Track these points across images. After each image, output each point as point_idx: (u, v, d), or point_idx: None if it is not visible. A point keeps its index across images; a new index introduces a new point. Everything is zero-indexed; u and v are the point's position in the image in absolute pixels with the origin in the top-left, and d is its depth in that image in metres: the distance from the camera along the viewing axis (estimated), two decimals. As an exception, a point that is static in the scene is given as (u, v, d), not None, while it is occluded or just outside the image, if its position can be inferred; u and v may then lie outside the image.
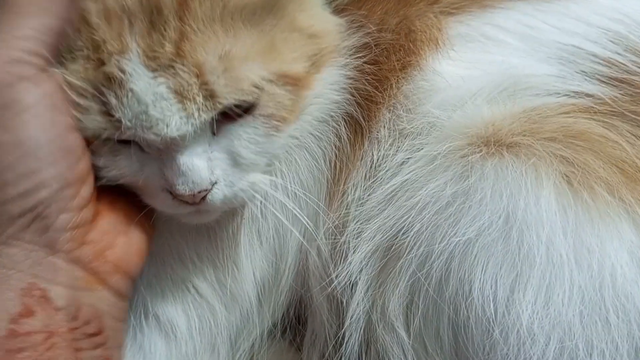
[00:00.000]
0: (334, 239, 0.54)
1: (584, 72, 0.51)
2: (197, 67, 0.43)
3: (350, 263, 0.52)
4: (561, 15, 0.54)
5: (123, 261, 0.48)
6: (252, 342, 0.59)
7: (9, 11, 0.44)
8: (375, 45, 0.55)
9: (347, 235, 0.53)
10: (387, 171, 0.52)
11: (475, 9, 0.56)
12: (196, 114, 0.44)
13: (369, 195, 0.53)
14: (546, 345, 0.43)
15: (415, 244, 0.48)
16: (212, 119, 0.45)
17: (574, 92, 0.50)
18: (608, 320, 0.43)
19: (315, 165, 0.55)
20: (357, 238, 0.52)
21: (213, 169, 0.47)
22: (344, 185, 0.54)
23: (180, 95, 0.43)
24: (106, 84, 0.44)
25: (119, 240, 0.48)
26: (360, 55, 0.55)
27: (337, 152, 0.55)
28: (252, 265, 0.56)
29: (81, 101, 0.44)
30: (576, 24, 0.53)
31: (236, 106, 0.46)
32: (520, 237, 0.45)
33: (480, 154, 0.48)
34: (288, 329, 0.61)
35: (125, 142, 0.46)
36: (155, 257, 0.56)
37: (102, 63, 0.44)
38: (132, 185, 0.49)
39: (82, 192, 0.46)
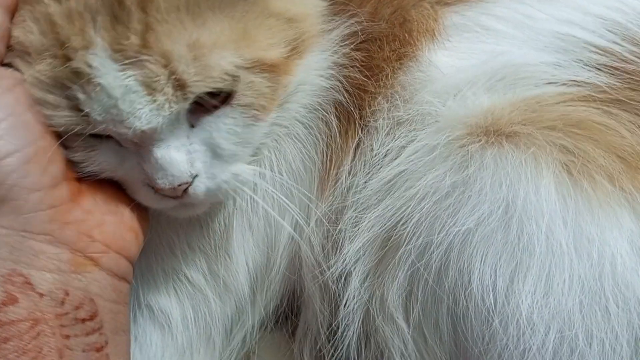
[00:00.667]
0: (327, 228, 0.54)
1: (581, 60, 0.51)
2: (164, 57, 0.42)
3: (346, 253, 0.51)
4: (558, 3, 0.54)
5: (114, 240, 0.46)
6: (246, 332, 0.58)
7: None
8: (366, 34, 0.54)
9: (343, 223, 0.52)
10: (385, 157, 0.52)
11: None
12: (166, 106, 0.43)
13: (365, 182, 0.52)
14: (546, 335, 0.43)
15: (414, 235, 0.48)
16: (186, 110, 0.44)
17: (572, 81, 0.50)
18: (608, 310, 0.43)
19: (305, 153, 0.54)
20: (354, 227, 0.52)
21: (193, 161, 0.46)
22: (336, 173, 0.54)
23: (149, 87, 0.42)
24: (74, 80, 0.42)
25: (107, 219, 0.47)
26: (349, 43, 0.54)
27: (327, 140, 0.54)
28: (244, 254, 0.56)
29: (50, 98, 0.43)
30: (573, 12, 0.53)
31: (211, 95, 0.45)
32: (520, 226, 0.44)
33: (480, 143, 0.48)
34: (281, 320, 0.61)
35: (102, 136, 0.45)
36: (147, 249, 0.54)
37: (68, 59, 0.42)
38: (115, 179, 0.48)
39: (50, 169, 0.44)
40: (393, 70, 0.53)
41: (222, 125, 0.47)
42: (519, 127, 0.48)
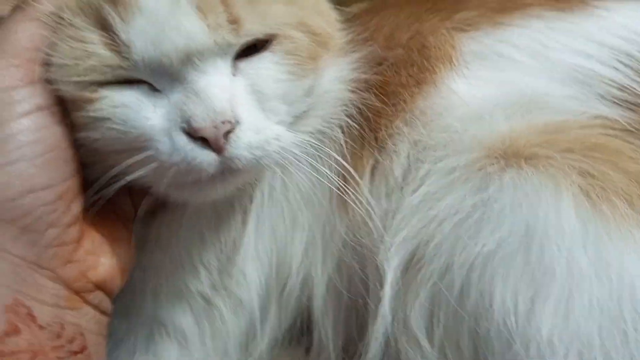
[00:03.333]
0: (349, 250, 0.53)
1: (599, 94, 0.51)
2: None
3: (374, 276, 0.51)
4: (572, 33, 0.54)
5: (105, 282, 0.47)
6: (261, 348, 0.58)
7: (6, 27, 0.44)
8: (382, 59, 0.54)
9: (379, 254, 0.51)
10: (406, 181, 0.52)
11: (488, 26, 0.55)
12: (218, 30, 0.41)
13: (392, 207, 0.52)
14: (565, 357, 0.42)
15: (435, 256, 0.47)
16: (234, 52, 0.43)
17: (590, 115, 0.50)
18: (626, 334, 0.42)
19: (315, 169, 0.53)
20: (387, 252, 0.51)
21: (235, 105, 0.42)
22: (354, 194, 0.53)
23: (202, 10, 0.40)
24: (109, 6, 0.41)
25: (102, 261, 0.47)
26: (365, 68, 0.54)
27: (340, 156, 0.53)
28: (257, 270, 0.56)
29: (79, 39, 0.42)
30: (588, 43, 0.53)
31: (258, 42, 0.44)
32: (540, 249, 0.44)
33: (499, 165, 0.47)
34: (296, 337, 0.60)
35: (131, 84, 0.43)
36: (159, 267, 0.55)
37: None
38: (134, 146, 0.43)
39: (73, 208, 0.44)
40: (411, 95, 0.53)
41: (263, 70, 0.44)
42: (537, 149, 0.47)
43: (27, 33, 0.43)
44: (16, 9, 0.45)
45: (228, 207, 0.54)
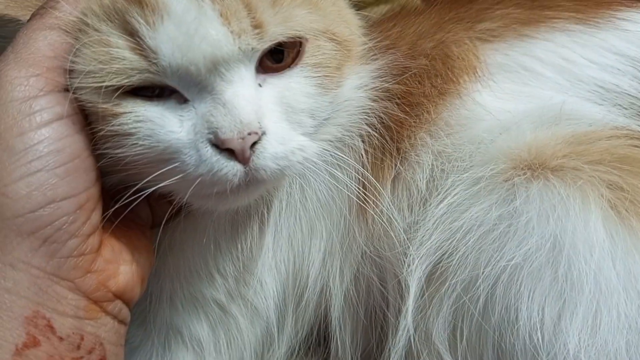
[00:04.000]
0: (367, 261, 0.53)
1: (624, 108, 0.50)
2: None
3: (406, 298, 0.50)
4: (596, 47, 0.53)
5: (125, 291, 0.46)
6: (278, 357, 0.57)
7: (25, 35, 0.43)
8: (405, 68, 0.54)
9: (401, 266, 0.51)
10: (431, 193, 0.51)
11: (512, 38, 0.55)
12: (242, 36, 0.40)
13: (414, 219, 0.51)
14: None
15: (459, 268, 0.46)
16: (257, 59, 0.42)
17: (615, 127, 0.49)
18: None
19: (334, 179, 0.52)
20: (410, 265, 0.50)
21: (261, 116, 0.42)
22: (374, 203, 0.52)
23: (225, 16, 0.40)
24: (137, 11, 0.40)
25: (121, 270, 0.46)
26: (387, 76, 0.53)
27: (360, 166, 0.53)
28: (274, 277, 0.55)
29: (105, 44, 0.41)
30: (613, 57, 0.52)
31: (277, 58, 0.43)
32: (568, 263, 0.43)
33: (525, 176, 0.47)
34: (313, 347, 0.59)
35: (156, 97, 0.42)
36: (175, 274, 0.54)
37: None
38: (160, 159, 0.42)
39: (93, 217, 0.44)
40: (435, 106, 0.53)
41: (294, 84, 0.44)
42: (564, 160, 0.47)
43: (47, 41, 0.43)
44: (35, 15, 0.44)
45: (244, 215, 0.54)
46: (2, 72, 0.42)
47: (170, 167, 0.42)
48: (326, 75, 0.46)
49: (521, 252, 0.44)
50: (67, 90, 0.43)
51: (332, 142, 0.51)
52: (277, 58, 0.44)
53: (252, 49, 0.41)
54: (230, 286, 0.55)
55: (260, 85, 0.43)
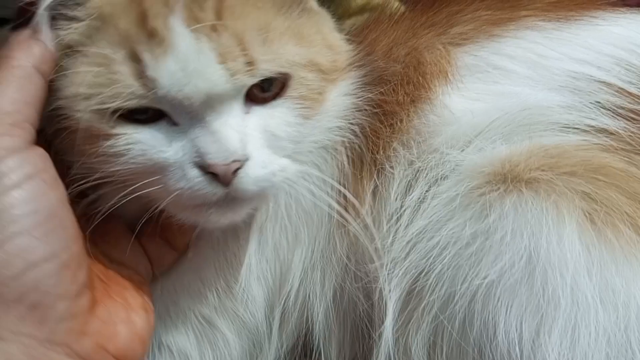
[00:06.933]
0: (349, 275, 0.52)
1: (598, 102, 0.49)
2: (237, 35, 0.43)
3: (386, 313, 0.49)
4: (570, 43, 0.52)
5: (125, 353, 0.44)
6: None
7: None
8: (379, 76, 0.53)
9: (380, 281, 0.50)
10: (404, 209, 0.50)
11: (482, 39, 0.53)
12: (236, 75, 0.42)
13: (391, 236, 0.50)
14: None
15: (437, 286, 0.46)
16: (245, 91, 0.44)
17: (589, 126, 0.48)
18: None
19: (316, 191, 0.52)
20: (389, 284, 0.49)
21: (245, 143, 0.44)
22: (355, 217, 0.51)
23: (222, 55, 0.42)
24: (144, 42, 0.42)
25: (120, 330, 0.44)
26: (364, 85, 0.52)
27: (339, 178, 0.52)
28: (261, 289, 0.54)
29: (109, 70, 0.42)
30: (587, 52, 0.51)
31: (263, 89, 0.45)
32: (544, 277, 0.42)
33: (498, 191, 0.45)
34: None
35: (149, 119, 0.44)
36: (165, 289, 0.54)
37: (144, 17, 0.42)
38: (145, 171, 0.44)
39: (79, 276, 0.42)
40: (408, 114, 0.52)
41: (277, 114, 0.46)
42: (537, 173, 0.45)
43: (6, 96, 0.41)
44: None
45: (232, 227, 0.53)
46: None
47: (155, 178, 0.44)
48: (308, 106, 0.47)
49: (496, 269, 0.43)
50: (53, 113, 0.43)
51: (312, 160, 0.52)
52: (264, 86, 0.45)
53: (243, 84, 0.44)
54: (217, 299, 0.54)
55: (247, 113, 0.45)
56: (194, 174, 0.43)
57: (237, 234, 0.54)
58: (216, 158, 0.42)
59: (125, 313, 0.45)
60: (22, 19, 0.44)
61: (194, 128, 0.43)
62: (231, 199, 0.44)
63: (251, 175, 0.44)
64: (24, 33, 0.43)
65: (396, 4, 0.65)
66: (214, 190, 0.43)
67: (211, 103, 0.43)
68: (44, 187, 0.41)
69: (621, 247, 0.42)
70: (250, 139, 0.44)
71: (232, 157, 0.43)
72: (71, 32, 0.44)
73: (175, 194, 0.43)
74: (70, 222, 0.42)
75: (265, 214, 0.53)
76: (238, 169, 0.43)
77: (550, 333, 0.42)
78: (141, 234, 0.50)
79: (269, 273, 0.54)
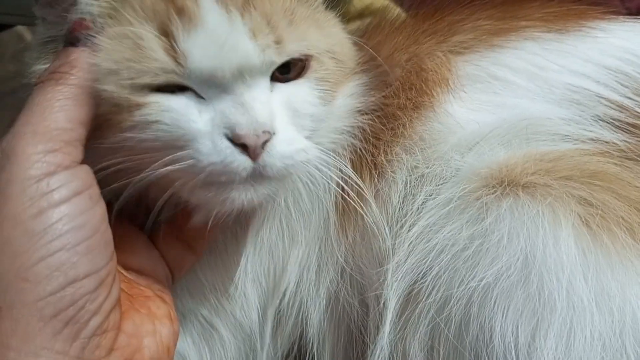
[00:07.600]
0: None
1: (597, 115, 0.49)
2: (266, 14, 0.44)
3: (384, 318, 0.49)
4: (569, 55, 0.52)
5: None
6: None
7: (40, 105, 0.41)
8: (382, 80, 0.53)
9: (379, 285, 0.50)
10: (406, 213, 0.50)
11: (483, 49, 0.54)
12: (266, 50, 0.43)
13: (396, 243, 0.50)
14: None
15: (434, 289, 0.45)
16: (274, 69, 0.45)
17: (588, 138, 0.48)
18: None
19: (314, 191, 0.53)
20: (390, 288, 0.49)
21: (273, 117, 0.44)
22: (355, 218, 0.52)
23: (253, 32, 0.43)
24: (175, 17, 0.42)
25: (146, 343, 0.44)
26: (368, 89, 0.53)
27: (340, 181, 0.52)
28: (257, 291, 0.54)
29: (140, 45, 0.42)
30: (585, 64, 0.51)
31: (287, 68, 0.46)
32: (540, 281, 0.42)
33: (495, 194, 0.46)
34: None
35: (177, 92, 0.44)
36: None
37: None
38: (175, 145, 0.43)
39: (113, 292, 0.41)
40: (410, 119, 0.52)
41: (299, 92, 0.47)
42: (534, 177, 0.46)
43: (63, 112, 0.42)
44: (48, 81, 0.43)
45: (227, 225, 0.53)
46: (19, 149, 0.40)
47: (184, 152, 0.43)
48: (326, 89, 0.48)
49: (493, 271, 0.43)
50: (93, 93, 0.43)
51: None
52: (283, 71, 0.46)
53: (272, 62, 0.44)
54: (214, 300, 0.54)
55: (271, 90, 0.46)
56: (225, 145, 0.43)
57: (236, 234, 0.54)
58: (247, 128, 0.43)
59: (151, 325, 0.45)
60: (74, 35, 0.44)
61: (222, 101, 0.44)
62: (257, 175, 0.44)
63: (278, 149, 0.44)
64: (82, 52, 0.43)
65: (396, 10, 0.65)
66: (244, 164, 0.43)
67: (242, 76, 0.43)
68: (89, 203, 0.41)
69: (617, 252, 0.42)
70: (277, 115, 0.45)
71: (261, 128, 0.43)
72: (95, 7, 0.44)
73: (207, 169, 0.43)
74: (110, 238, 0.42)
75: (263, 214, 0.54)
76: (266, 142, 0.43)
77: (546, 337, 0.41)
78: (156, 239, 0.50)
79: (263, 275, 0.54)
